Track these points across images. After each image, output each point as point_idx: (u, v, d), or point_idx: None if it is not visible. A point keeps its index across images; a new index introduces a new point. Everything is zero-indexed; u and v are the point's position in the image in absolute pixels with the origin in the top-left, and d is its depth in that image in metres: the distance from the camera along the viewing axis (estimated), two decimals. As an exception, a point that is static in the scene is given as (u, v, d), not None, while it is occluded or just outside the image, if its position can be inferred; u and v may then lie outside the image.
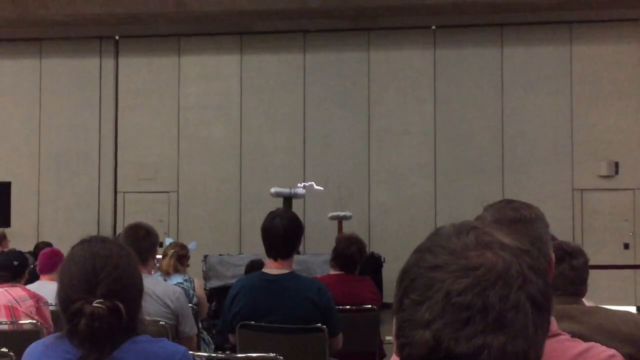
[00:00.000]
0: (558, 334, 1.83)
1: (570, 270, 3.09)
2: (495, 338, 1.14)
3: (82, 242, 2.43)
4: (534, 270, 1.20)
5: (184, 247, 6.72)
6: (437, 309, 1.17)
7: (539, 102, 13.77)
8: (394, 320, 1.25)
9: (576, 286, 3.13)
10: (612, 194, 13.49)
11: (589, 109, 13.63)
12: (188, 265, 6.69)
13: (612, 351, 1.80)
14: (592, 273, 3.32)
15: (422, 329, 1.18)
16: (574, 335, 1.92)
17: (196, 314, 5.65)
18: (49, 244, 7.79)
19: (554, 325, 1.80)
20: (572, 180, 13.62)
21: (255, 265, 7.46)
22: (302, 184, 12.20)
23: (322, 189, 12.60)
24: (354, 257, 5.72)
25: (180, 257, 6.48)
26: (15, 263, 5.40)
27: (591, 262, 3.32)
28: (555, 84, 13.77)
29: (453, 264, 1.19)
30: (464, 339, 1.15)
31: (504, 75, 13.94)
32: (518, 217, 2.06)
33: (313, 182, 12.47)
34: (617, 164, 13.49)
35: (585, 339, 1.88)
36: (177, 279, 6.23)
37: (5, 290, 5.19)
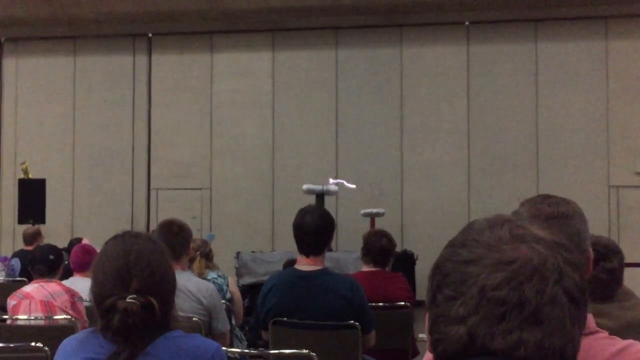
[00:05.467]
0: (596, 332, 1.80)
1: (604, 274, 3.04)
2: (532, 333, 1.12)
3: (116, 237, 2.44)
4: (570, 264, 1.18)
5: (205, 243, 6.72)
6: (472, 304, 1.15)
7: (574, 98, 13.63)
8: (427, 316, 1.23)
9: (610, 289, 3.07)
10: (649, 191, 13.32)
11: (624, 105, 13.47)
12: (213, 256, 6.71)
13: (651, 349, 1.77)
14: (629, 271, 3.27)
15: (456, 324, 1.16)
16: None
17: (229, 311, 5.66)
18: (80, 240, 7.84)
19: (592, 322, 1.78)
20: (608, 177, 13.46)
21: (292, 264, 7.46)
22: (334, 181, 12.16)
23: (353, 186, 12.56)
24: (385, 248, 5.70)
25: (207, 255, 6.50)
26: (51, 257, 5.44)
27: (627, 260, 3.26)
28: (590, 79, 13.62)
29: (487, 258, 1.17)
30: (499, 334, 1.13)
31: (539, 71, 13.82)
32: (555, 213, 2.02)
33: (344, 181, 12.41)
34: (653, 161, 13.34)
35: (615, 334, 1.85)
36: (212, 274, 6.25)
37: (41, 285, 5.24)
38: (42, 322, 5.00)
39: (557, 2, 13.38)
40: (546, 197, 2.11)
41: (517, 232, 1.20)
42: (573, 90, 13.63)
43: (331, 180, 12.12)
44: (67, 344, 2.38)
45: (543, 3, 13.42)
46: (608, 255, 3.09)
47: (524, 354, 1.12)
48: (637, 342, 1.81)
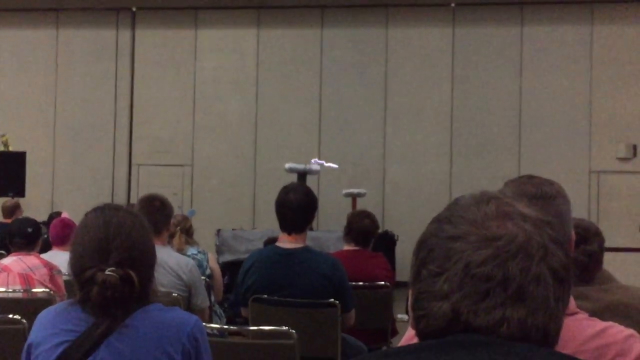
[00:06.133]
0: (576, 313, 1.80)
1: (584, 256, 3.05)
2: (515, 311, 1.12)
3: (96, 209, 2.42)
4: (555, 242, 1.17)
5: (185, 218, 6.71)
6: (456, 281, 1.14)
7: (557, 83, 13.65)
8: (410, 292, 1.22)
9: (590, 272, 3.08)
10: (630, 177, 13.38)
11: (608, 91, 13.50)
12: (193, 232, 6.69)
13: (630, 331, 1.78)
14: (607, 255, 3.28)
15: (440, 300, 1.15)
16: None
17: (209, 287, 5.66)
18: (59, 213, 7.78)
19: (572, 303, 1.78)
20: (590, 162, 13.52)
21: (273, 242, 7.45)
22: (315, 160, 12.13)
23: (335, 166, 12.51)
24: (367, 229, 5.73)
25: (187, 230, 6.48)
26: (29, 230, 5.40)
27: (607, 245, 3.27)
28: (575, 64, 13.64)
29: (473, 234, 1.16)
30: (483, 311, 1.12)
31: (523, 54, 13.82)
32: (539, 194, 2.02)
33: (323, 162, 12.32)
34: (635, 147, 13.37)
35: (594, 316, 1.86)
36: (192, 250, 6.23)
37: (20, 258, 5.20)
38: (20, 295, 4.97)
39: (543, -14, 13.39)
40: (530, 178, 2.11)
41: (504, 209, 1.19)
42: (557, 74, 13.66)
43: (313, 160, 12.08)
44: (45, 316, 2.36)
45: (529, -13, 13.42)
46: (589, 238, 3.10)
47: (508, 331, 1.11)
48: (616, 324, 1.81)
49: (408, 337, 1.76)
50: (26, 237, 5.35)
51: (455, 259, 1.15)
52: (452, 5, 13.95)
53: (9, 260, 5.23)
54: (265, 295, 4.35)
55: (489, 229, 1.16)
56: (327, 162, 12.29)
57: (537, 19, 13.76)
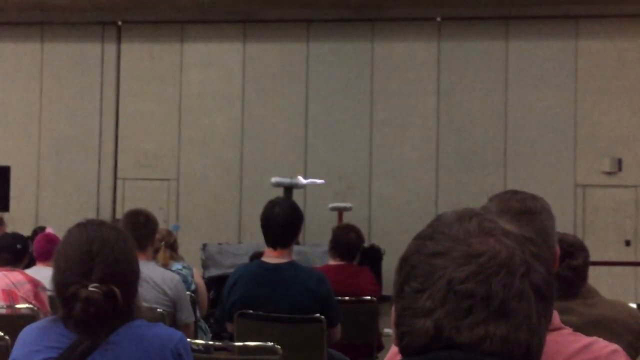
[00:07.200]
0: (560, 328, 1.80)
1: (568, 271, 3.05)
2: (498, 327, 1.12)
3: (79, 225, 2.41)
4: (537, 259, 1.18)
5: (170, 233, 6.68)
6: (439, 297, 1.14)
7: (543, 97, 13.71)
8: (393, 309, 1.22)
9: (575, 287, 3.09)
10: (615, 191, 13.44)
11: (593, 105, 13.57)
12: (178, 247, 6.67)
13: (615, 346, 1.78)
14: (593, 270, 3.29)
15: (422, 317, 1.15)
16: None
17: (194, 302, 5.63)
18: (43, 228, 7.75)
19: (557, 319, 1.78)
20: (575, 176, 13.57)
21: (259, 257, 7.42)
22: (301, 177, 12.09)
23: (322, 181, 12.48)
24: (352, 243, 5.72)
25: (172, 245, 6.44)
26: (19, 246, 5.38)
27: (592, 259, 3.27)
28: (560, 78, 13.71)
29: (455, 251, 1.16)
30: (465, 328, 1.12)
31: (509, 69, 13.88)
32: (524, 209, 2.02)
33: (314, 179, 12.28)
34: (620, 161, 13.43)
35: (578, 331, 1.86)
36: (177, 265, 6.20)
37: (4, 274, 5.16)
38: (3, 311, 4.93)
39: (528, 1, 13.45)
40: (515, 193, 2.11)
41: (486, 226, 1.19)
42: (542, 88, 13.72)
43: (301, 178, 12.06)
44: (28, 333, 2.34)
45: (515, 1, 13.49)
46: (573, 253, 3.10)
47: (490, 347, 1.12)
48: (600, 339, 1.81)
49: (392, 353, 1.75)
50: (14, 252, 5.33)
51: (437, 275, 1.15)
52: (438, 19, 14.01)
53: (-7, 276, 5.19)
54: (251, 311, 4.33)
55: (472, 245, 1.16)
56: (313, 177, 12.29)
57: (522, 34, 13.83)
